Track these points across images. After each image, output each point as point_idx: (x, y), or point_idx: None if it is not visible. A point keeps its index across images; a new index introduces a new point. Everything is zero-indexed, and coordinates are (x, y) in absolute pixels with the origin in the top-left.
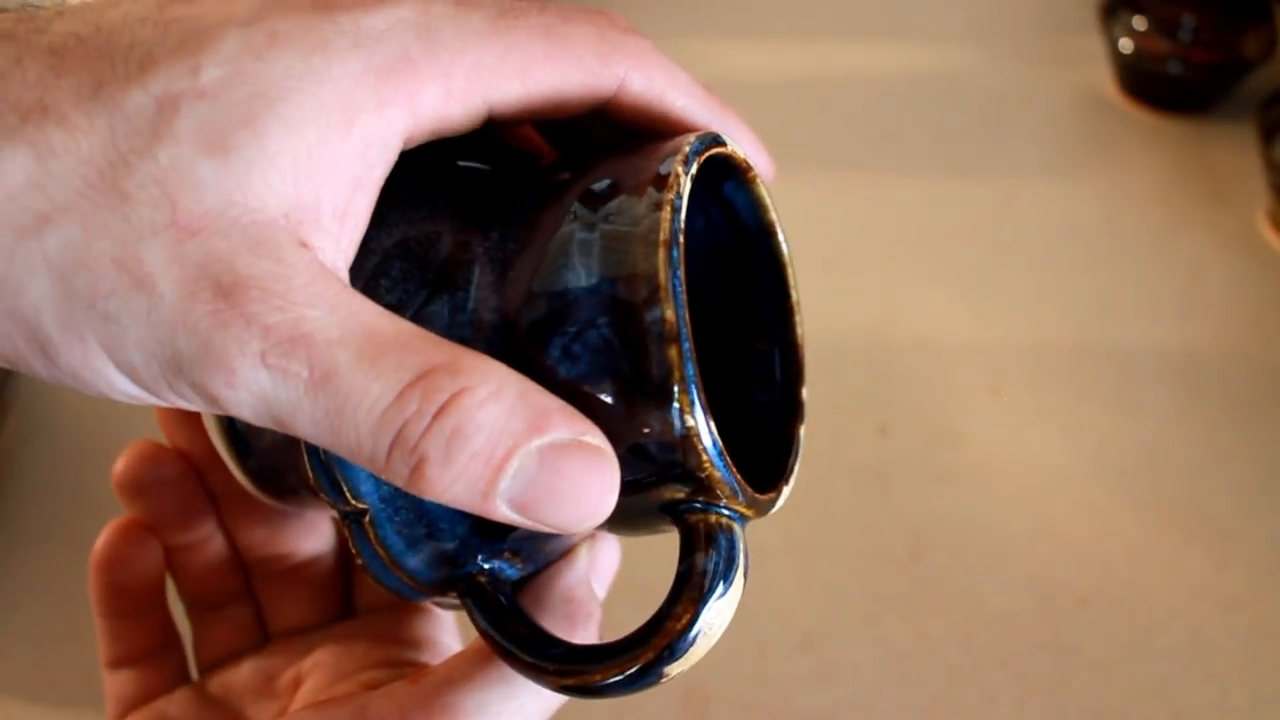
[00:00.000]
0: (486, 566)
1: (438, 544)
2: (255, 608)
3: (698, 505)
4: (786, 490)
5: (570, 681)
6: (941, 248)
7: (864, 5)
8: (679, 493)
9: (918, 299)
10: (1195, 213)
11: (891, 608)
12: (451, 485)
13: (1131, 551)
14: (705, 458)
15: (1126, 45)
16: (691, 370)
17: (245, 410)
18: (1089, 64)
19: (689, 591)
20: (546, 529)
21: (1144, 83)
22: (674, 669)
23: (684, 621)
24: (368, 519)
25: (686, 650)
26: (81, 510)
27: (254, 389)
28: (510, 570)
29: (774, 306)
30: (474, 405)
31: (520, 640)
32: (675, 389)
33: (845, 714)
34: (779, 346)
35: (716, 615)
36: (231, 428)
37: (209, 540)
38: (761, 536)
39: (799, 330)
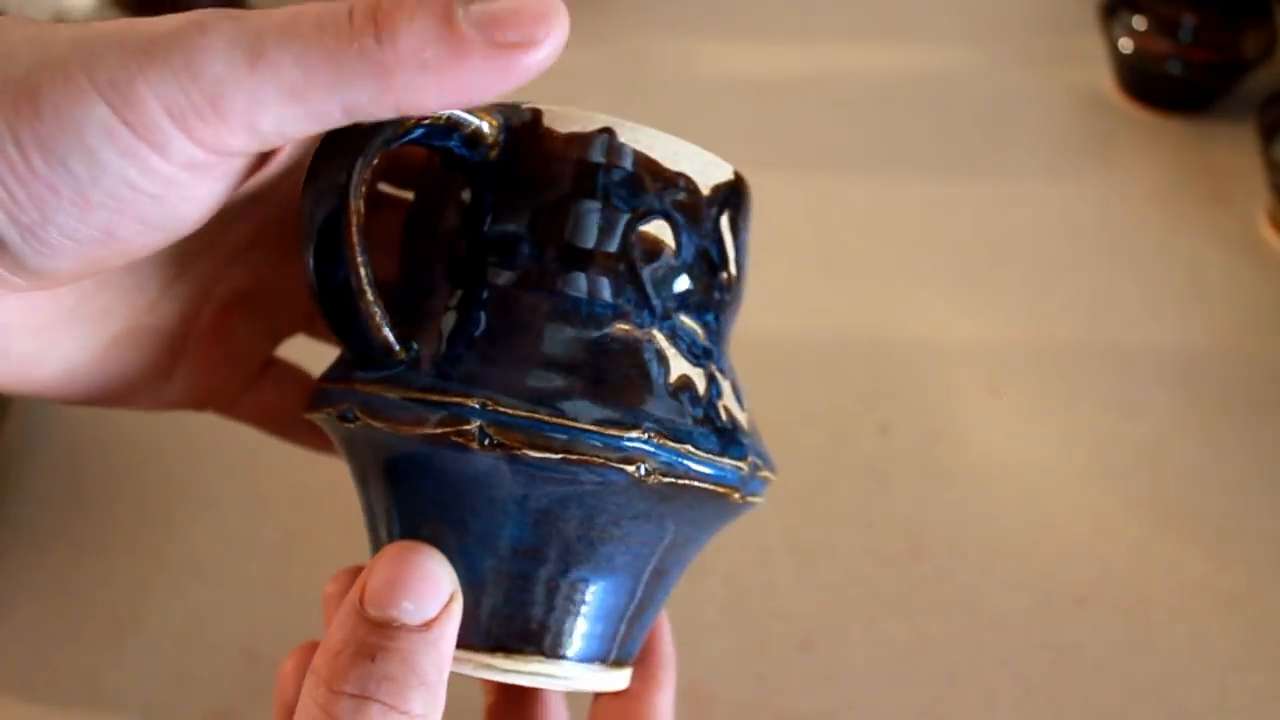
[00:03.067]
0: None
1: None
2: None
3: None
4: None
5: None
6: (941, 248)
7: (864, 5)
8: None
9: (918, 299)
10: (1195, 213)
11: (891, 608)
12: (412, 14)
13: (1131, 551)
14: None
15: (1126, 45)
16: None
17: (218, 49)
18: (1089, 64)
19: None
20: (516, 45)
21: (1144, 83)
22: None
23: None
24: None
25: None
26: (81, 510)
27: (222, 31)
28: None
29: None
30: None
31: None
32: None
33: (845, 714)
34: None
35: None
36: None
37: None
38: (761, 536)
39: None
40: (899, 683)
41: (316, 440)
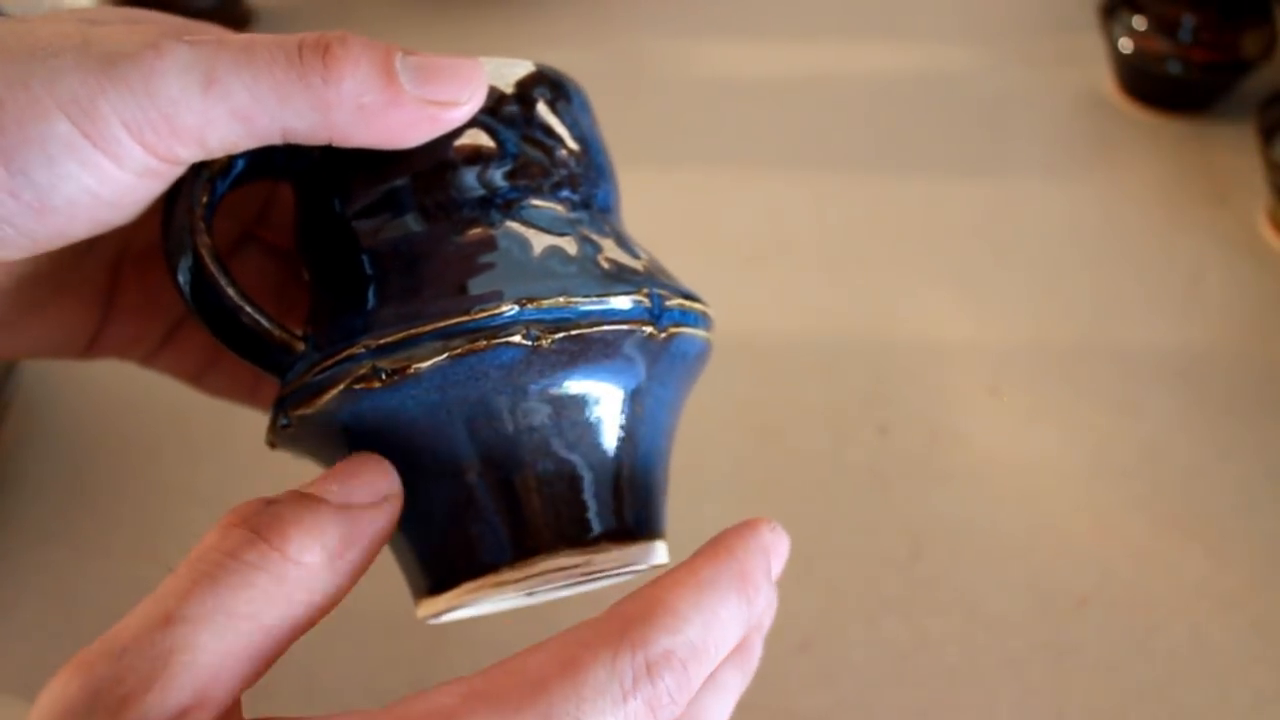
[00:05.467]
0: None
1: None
2: None
3: None
4: None
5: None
6: (941, 248)
7: (864, 5)
8: None
9: (918, 299)
10: (1195, 213)
11: (891, 608)
12: (358, 61)
13: (1131, 551)
14: None
15: (1126, 45)
16: None
17: (173, 73)
18: (1089, 64)
19: None
20: (443, 103)
21: (1144, 83)
22: None
23: None
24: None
25: None
26: (81, 510)
27: (178, 56)
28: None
29: None
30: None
31: None
32: None
33: (845, 714)
34: None
35: None
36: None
37: None
38: None
39: None
40: (899, 683)
41: (230, 391)
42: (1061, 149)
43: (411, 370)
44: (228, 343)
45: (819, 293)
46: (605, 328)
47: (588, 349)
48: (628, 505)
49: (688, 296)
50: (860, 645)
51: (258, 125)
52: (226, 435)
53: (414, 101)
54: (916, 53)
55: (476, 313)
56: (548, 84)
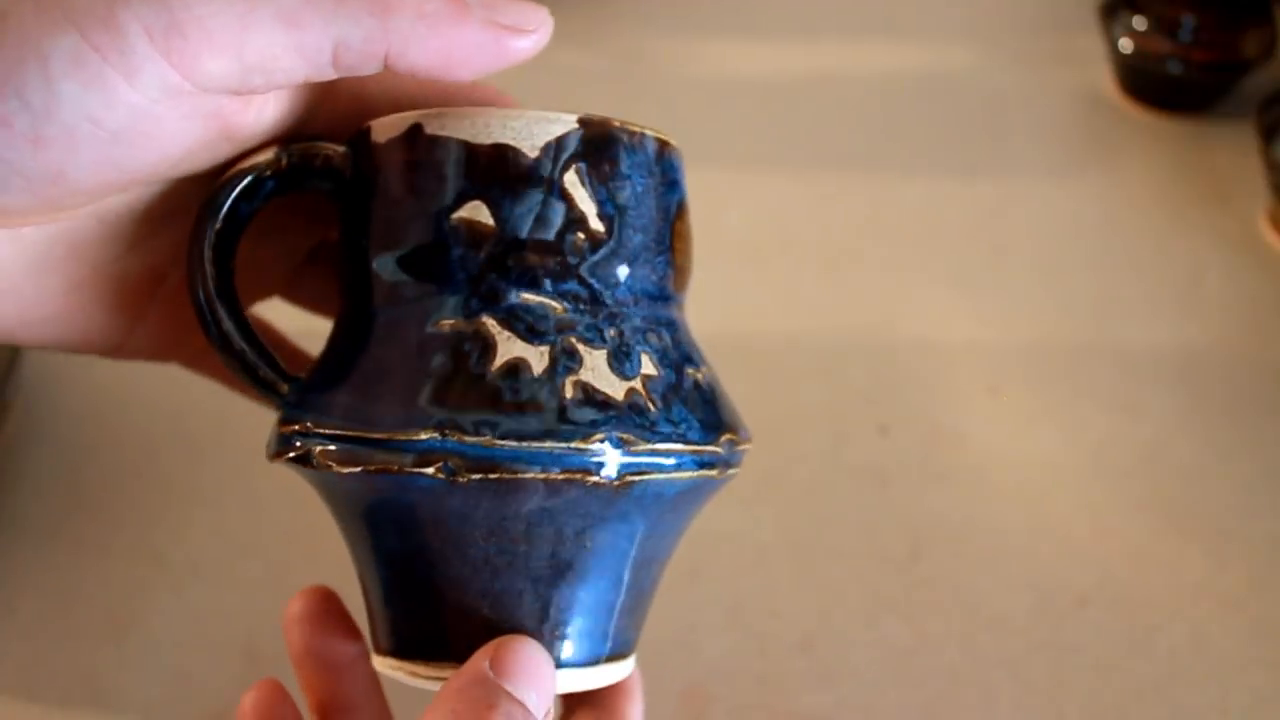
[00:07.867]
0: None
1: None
2: None
3: None
4: None
5: None
6: (941, 248)
7: (864, 5)
8: None
9: (918, 299)
10: (1195, 213)
11: (891, 608)
12: None
13: (1131, 551)
14: None
15: (1126, 45)
16: None
17: None
18: (1089, 64)
19: None
20: (510, 28)
21: (1144, 83)
22: None
23: None
24: None
25: None
26: (81, 510)
27: None
28: None
29: None
30: None
31: None
32: None
33: (845, 714)
34: None
35: None
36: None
37: None
38: (762, 536)
39: None
40: (899, 683)
41: None
42: (1061, 149)
43: (334, 470)
44: (231, 369)
45: (819, 293)
46: (529, 476)
47: (512, 493)
48: (551, 632)
49: (672, 437)
50: (860, 645)
51: (308, 32)
52: (226, 435)
53: (480, 20)
54: (916, 53)
55: (396, 432)
56: (590, 144)
